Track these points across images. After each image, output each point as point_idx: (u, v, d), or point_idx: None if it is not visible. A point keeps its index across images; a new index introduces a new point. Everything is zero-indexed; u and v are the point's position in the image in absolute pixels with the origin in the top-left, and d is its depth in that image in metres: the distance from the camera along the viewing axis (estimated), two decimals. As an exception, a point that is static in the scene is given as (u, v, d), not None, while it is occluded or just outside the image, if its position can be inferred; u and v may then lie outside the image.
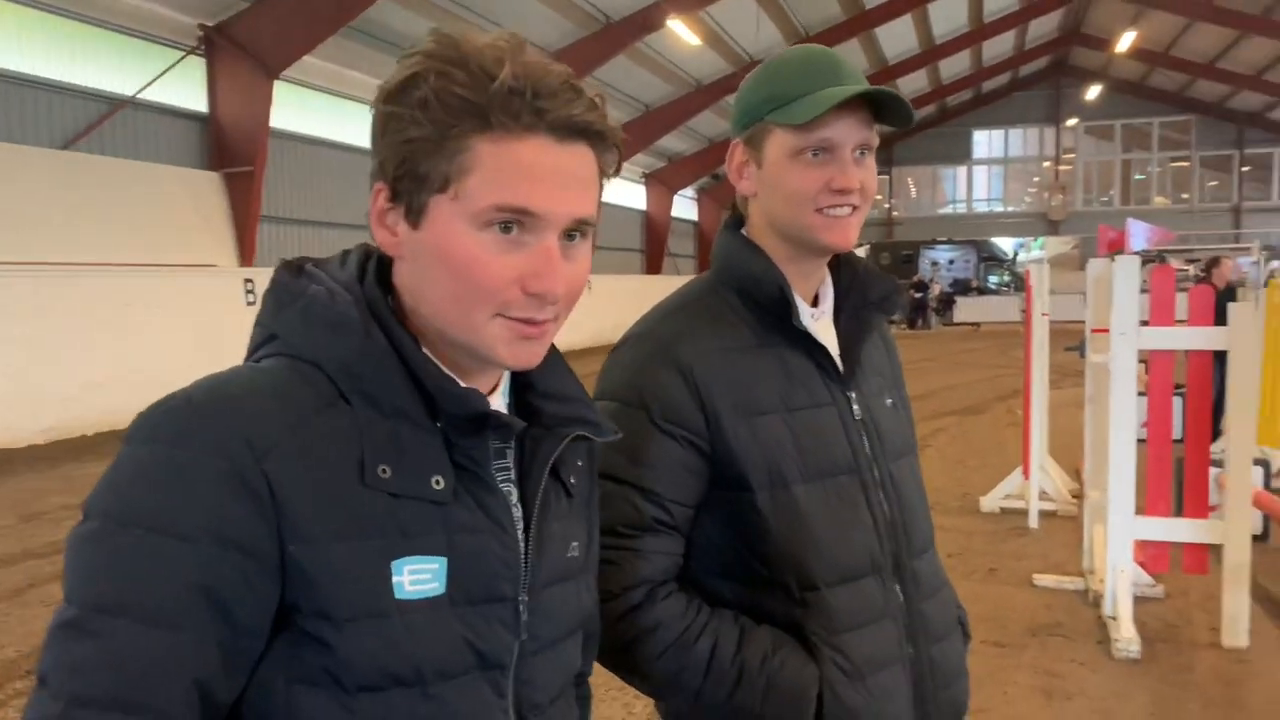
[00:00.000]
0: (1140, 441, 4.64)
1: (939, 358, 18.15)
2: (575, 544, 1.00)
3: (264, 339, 0.90)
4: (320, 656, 0.81)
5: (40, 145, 11.98)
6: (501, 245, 0.84)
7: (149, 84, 13.32)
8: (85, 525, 0.78)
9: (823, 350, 1.33)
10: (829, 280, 1.40)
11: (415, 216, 0.85)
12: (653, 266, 26.95)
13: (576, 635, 1.02)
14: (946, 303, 31.28)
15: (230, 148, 14.08)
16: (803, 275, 1.35)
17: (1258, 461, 5.91)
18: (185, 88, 13.99)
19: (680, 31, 18.37)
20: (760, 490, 1.26)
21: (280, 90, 14.42)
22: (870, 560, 1.29)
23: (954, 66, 28.57)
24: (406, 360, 0.87)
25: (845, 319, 1.38)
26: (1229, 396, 4.60)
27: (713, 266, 1.40)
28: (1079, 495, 6.89)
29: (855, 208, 1.28)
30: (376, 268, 0.91)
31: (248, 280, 12.24)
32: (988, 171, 37.08)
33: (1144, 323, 4.62)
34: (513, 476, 0.94)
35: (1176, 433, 5.09)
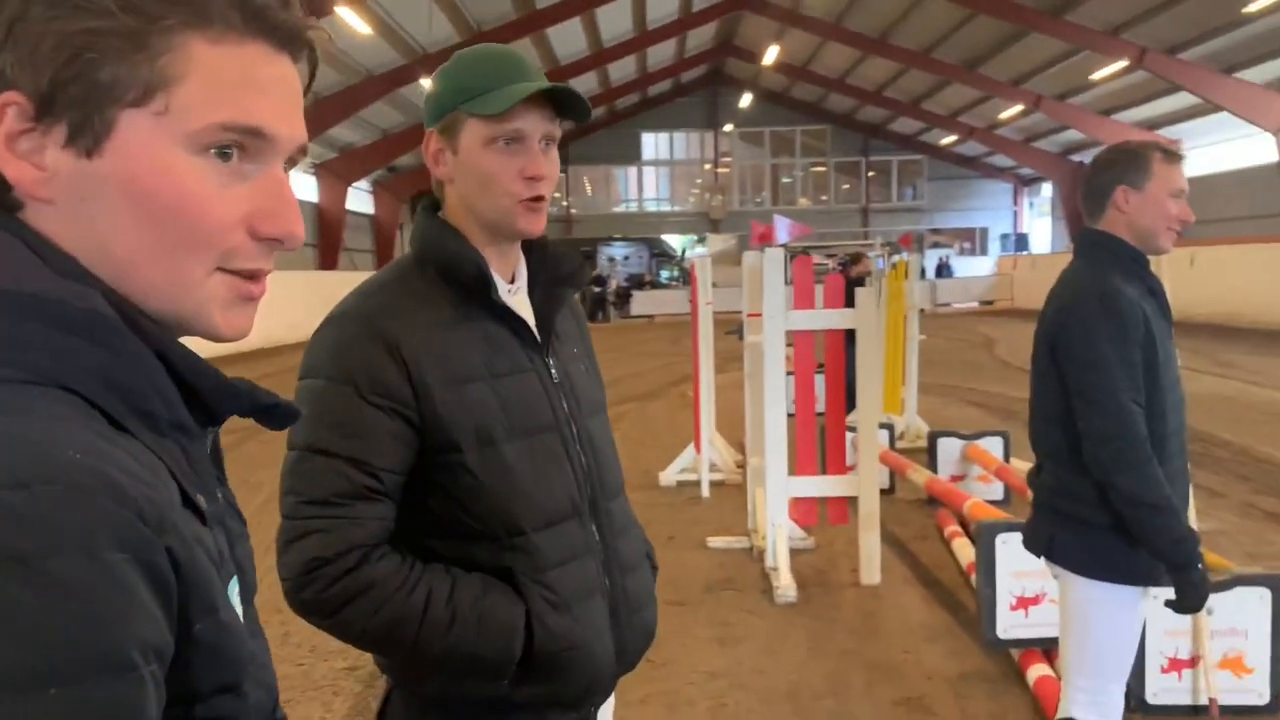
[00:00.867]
0: (790, 415, 5.25)
1: (619, 349, 19.03)
2: None
3: None
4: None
5: None
6: (222, 176, 0.67)
7: None
8: None
9: (521, 322, 1.46)
10: (523, 258, 1.55)
11: (90, 140, 0.64)
12: (327, 262, 25.82)
13: None
14: (623, 297, 32.86)
15: None
16: (499, 255, 1.48)
17: (883, 425, 6.87)
18: None
19: (349, 19, 17.79)
20: (469, 451, 1.38)
21: None
22: (571, 505, 1.45)
23: (622, 70, 29.92)
24: (166, 354, 0.67)
25: (539, 293, 1.53)
26: (858, 370, 5.33)
27: (413, 248, 1.49)
28: (743, 465, 7.62)
29: (541, 197, 1.44)
30: None
31: None
32: (656, 172, 39.11)
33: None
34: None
35: (820, 405, 5.82)
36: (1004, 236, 37.54)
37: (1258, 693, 3.39)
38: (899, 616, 4.62)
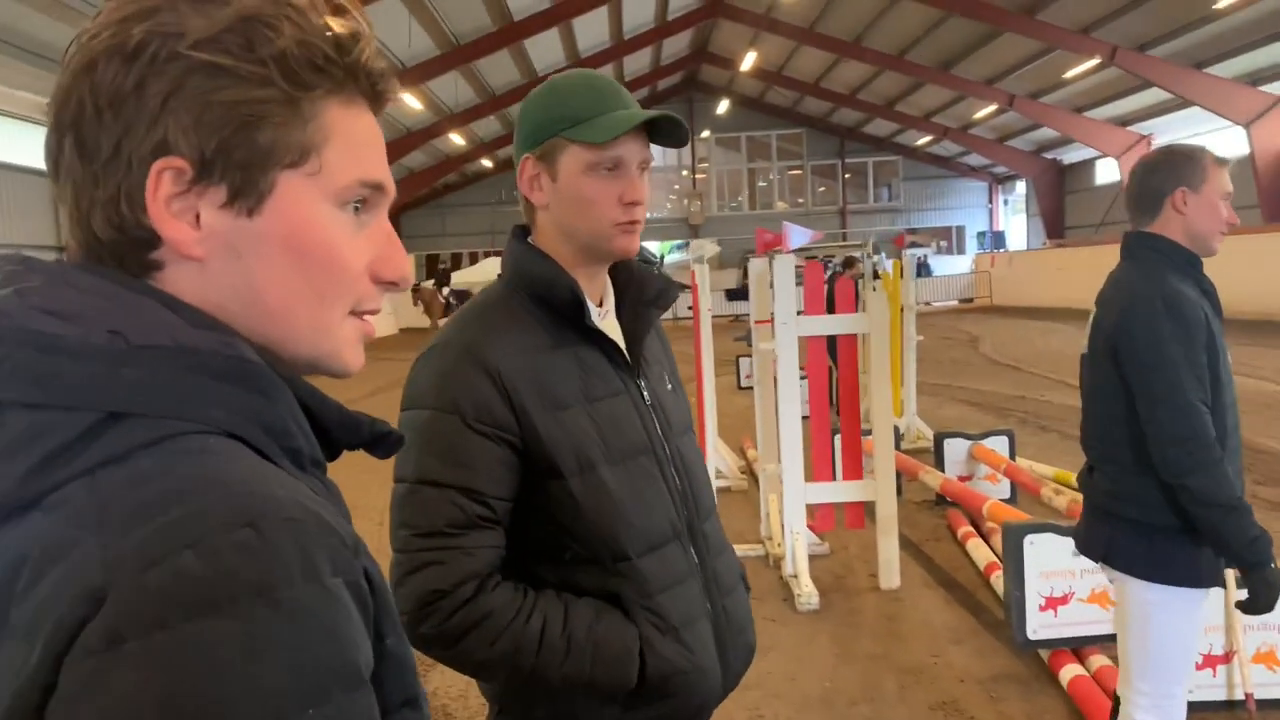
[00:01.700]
0: (804, 418, 5.26)
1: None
2: None
3: (85, 429, 0.59)
4: None
5: None
6: (353, 228, 0.72)
7: None
8: None
9: (613, 344, 1.46)
10: (609, 281, 1.54)
11: (253, 200, 0.67)
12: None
13: None
14: (605, 304, 32.83)
15: None
16: (589, 278, 1.47)
17: (890, 428, 6.88)
18: None
19: (328, 35, 17.74)
20: (570, 476, 1.37)
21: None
22: (671, 528, 1.44)
23: (598, 79, 29.94)
24: (298, 393, 0.70)
25: (627, 315, 1.53)
26: (870, 374, 5.35)
27: (505, 274, 1.49)
28: (747, 471, 7.62)
29: (638, 220, 1.44)
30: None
31: None
32: (634, 179, 39.15)
33: (799, 313, 5.25)
34: None
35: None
36: (980, 234, 37.84)
37: (1292, 685, 3.42)
38: (922, 620, 4.63)
